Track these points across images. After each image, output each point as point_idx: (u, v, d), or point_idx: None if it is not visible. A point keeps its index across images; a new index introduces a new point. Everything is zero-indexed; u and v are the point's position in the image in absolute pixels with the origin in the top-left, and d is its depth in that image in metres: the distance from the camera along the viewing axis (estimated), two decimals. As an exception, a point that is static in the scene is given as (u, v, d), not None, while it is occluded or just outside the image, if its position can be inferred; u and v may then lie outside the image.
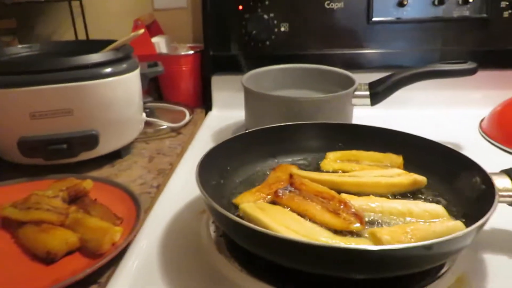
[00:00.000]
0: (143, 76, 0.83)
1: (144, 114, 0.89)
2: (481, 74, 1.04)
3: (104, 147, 0.77)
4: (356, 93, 0.85)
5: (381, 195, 0.60)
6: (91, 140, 0.73)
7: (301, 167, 0.70)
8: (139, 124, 0.86)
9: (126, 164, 0.81)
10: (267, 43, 1.05)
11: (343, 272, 0.45)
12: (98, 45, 0.79)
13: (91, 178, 0.69)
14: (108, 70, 0.73)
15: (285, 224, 0.51)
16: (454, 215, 0.55)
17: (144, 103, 0.98)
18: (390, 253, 0.42)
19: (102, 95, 0.73)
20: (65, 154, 0.72)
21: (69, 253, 0.53)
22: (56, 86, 0.69)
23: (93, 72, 0.71)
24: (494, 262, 0.52)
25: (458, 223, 0.51)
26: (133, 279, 0.50)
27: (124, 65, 0.76)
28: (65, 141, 0.71)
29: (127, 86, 0.77)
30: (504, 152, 0.84)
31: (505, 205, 0.54)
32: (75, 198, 0.64)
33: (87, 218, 0.58)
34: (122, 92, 0.76)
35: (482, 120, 0.97)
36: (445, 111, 1.04)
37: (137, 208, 0.61)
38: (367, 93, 0.84)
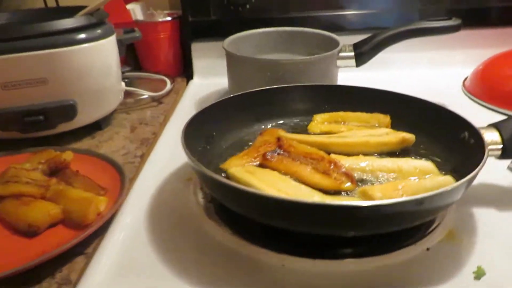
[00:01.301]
0: (119, 42, 0.79)
1: (123, 84, 0.86)
2: (463, 34, 1.03)
3: (83, 118, 0.74)
4: (341, 54, 0.83)
5: (370, 155, 0.59)
6: (69, 111, 0.70)
7: (288, 130, 0.68)
8: (118, 94, 0.83)
9: (107, 135, 0.78)
10: (247, 6, 1.01)
11: (335, 230, 0.45)
12: (69, 12, 0.74)
13: (71, 149, 0.66)
14: (82, 36, 0.69)
15: (275, 186, 0.50)
16: (443, 171, 0.55)
17: (123, 72, 0.94)
18: (381, 209, 0.41)
19: (77, 62, 0.69)
20: (42, 126, 0.69)
21: (53, 225, 0.52)
22: (28, 54, 0.65)
23: (66, 38, 0.67)
24: (483, 216, 0.52)
25: (448, 178, 0.50)
26: (121, 248, 0.49)
27: (99, 31, 0.72)
28: (42, 112, 0.68)
29: (103, 53, 0.74)
30: (487, 109, 0.85)
31: (492, 159, 0.54)
32: (56, 171, 0.62)
33: (69, 189, 0.55)
34: (98, 60, 0.73)
35: (465, 79, 0.97)
36: (429, 71, 1.03)
37: (122, 177, 0.59)
38: (352, 54, 0.83)
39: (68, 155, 0.64)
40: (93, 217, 0.51)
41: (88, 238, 0.49)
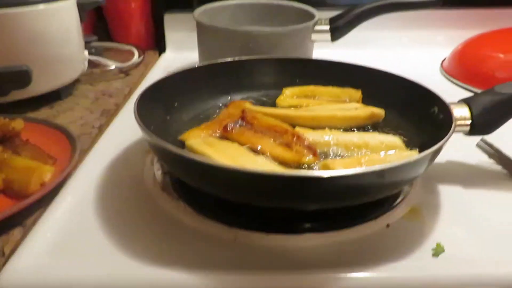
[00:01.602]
0: (80, 6, 0.74)
1: (86, 52, 0.81)
2: (444, 13, 1.01)
3: (39, 86, 0.69)
4: (316, 27, 0.80)
5: (338, 129, 0.56)
6: (22, 77, 0.65)
7: (257, 103, 0.65)
8: (80, 63, 0.78)
9: (67, 105, 0.74)
10: (223, -23, 0.97)
11: (293, 202, 0.42)
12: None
13: (24, 118, 0.62)
14: (37, -4, 0.64)
15: (232, 158, 0.47)
16: (411, 145, 0.53)
17: (89, 42, 0.90)
18: (341, 180, 0.39)
19: (30, 25, 0.64)
20: (-8, 92, 0.65)
21: (-7, 195, 0.48)
22: (-25, 13, 0.60)
23: (18, -2, 0.63)
24: (448, 193, 0.50)
25: (413, 153, 0.48)
26: (64, 222, 0.45)
27: (56, -8, 0.68)
28: (-9, 77, 0.63)
29: (61, 16, 0.69)
30: (463, 89, 0.83)
31: (462, 137, 0.52)
32: (3, 139, 0.58)
33: (14, 158, 0.52)
34: (55, 24, 0.68)
35: (443, 60, 0.94)
36: (408, 51, 1.01)
37: (73, 147, 0.56)
38: (327, 27, 0.80)
39: (18, 124, 0.59)
40: (36, 187, 0.48)
41: (28, 209, 0.46)
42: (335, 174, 0.37)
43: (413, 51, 1.00)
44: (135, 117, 0.46)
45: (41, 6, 0.65)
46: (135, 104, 0.49)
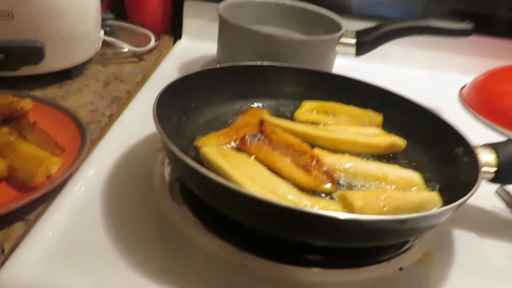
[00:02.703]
0: (103, -17, 0.71)
1: (102, 32, 0.78)
2: (469, 39, 0.99)
3: (50, 63, 0.66)
4: (342, 40, 0.77)
5: (356, 154, 0.55)
6: (35, 53, 0.63)
7: (273, 113, 0.63)
8: (95, 43, 0.75)
9: (77, 86, 0.71)
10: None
11: (305, 237, 0.40)
12: None
13: (32, 97, 0.59)
14: (60, -30, 0.61)
15: (249, 176, 0.45)
16: (430, 184, 0.51)
17: (104, 19, 0.86)
18: (360, 224, 0.37)
19: None
20: (2, 65, 0.62)
21: (-4, 181, 0.46)
22: (-6, -19, 0.57)
23: (40, -31, 0.59)
24: (462, 239, 0.49)
25: (434, 195, 0.47)
26: (68, 220, 0.43)
27: (80, -33, 0.64)
28: (3, 50, 0.60)
29: (83, -7, 0.66)
30: (480, 122, 0.81)
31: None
32: (10, 119, 0.55)
33: (20, 143, 0.49)
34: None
35: (463, 87, 0.93)
36: (426, 72, 0.99)
37: (83, 139, 0.53)
38: (354, 41, 0.77)
39: (27, 104, 0.57)
40: (42, 179, 0.46)
41: (32, 203, 0.43)
42: (361, 218, 0.36)
43: (433, 73, 0.99)
44: (155, 122, 0.44)
45: (63, -19, 0.62)
46: (154, 106, 0.47)
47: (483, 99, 0.85)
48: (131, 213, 0.46)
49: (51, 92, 0.68)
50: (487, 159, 0.49)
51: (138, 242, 0.42)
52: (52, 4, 0.62)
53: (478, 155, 0.49)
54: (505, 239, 0.50)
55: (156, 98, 0.49)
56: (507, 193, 0.53)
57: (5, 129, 0.51)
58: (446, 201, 0.45)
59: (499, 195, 0.54)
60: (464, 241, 0.49)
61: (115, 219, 0.44)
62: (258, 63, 0.65)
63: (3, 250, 0.39)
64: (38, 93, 0.67)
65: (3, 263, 0.38)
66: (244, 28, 0.74)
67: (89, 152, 0.54)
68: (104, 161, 0.53)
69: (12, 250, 0.39)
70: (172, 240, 0.43)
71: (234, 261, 0.42)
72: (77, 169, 0.50)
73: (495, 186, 0.54)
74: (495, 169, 0.49)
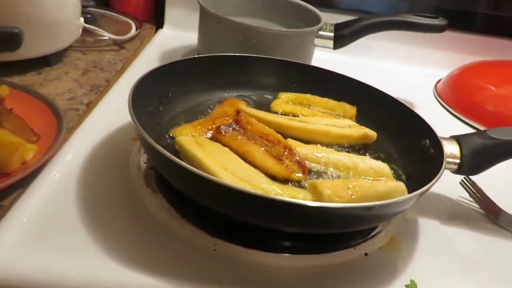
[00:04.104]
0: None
1: (82, 19, 0.78)
2: (446, 34, 1.01)
3: (29, 50, 0.66)
4: (320, 32, 0.79)
5: (328, 145, 0.57)
6: (13, 39, 0.62)
7: (250, 104, 0.64)
8: (74, 30, 0.75)
9: (55, 73, 0.71)
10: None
11: (276, 224, 0.42)
12: None
13: (9, 84, 0.59)
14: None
15: (222, 164, 0.47)
16: (397, 174, 0.54)
17: (85, 6, 0.86)
18: (328, 211, 0.39)
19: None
20: (-22, 51, 0.62)
21: (-30, 167, 0.46)
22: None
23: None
24: (426, 227, 0.52)
25: (400, 185, 0.49)
26: (43, 206, 0.44)
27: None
28: (-21, 36, 0.60)
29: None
30: (453, 116, 0.84)
31: (445, 172, 0.52)
32: (-14, 105, 0.55)
33: (-4, 130, 0.50)
34: (54, -14, 0.65)
35: (438, 82, 0.95)
36: (404, 66, 1.01)
37: (59, 126, 0.54)
38: (332, 34, 0.79)
39: (3, 90, 0.57)
40: (17, 165, 0.46)
41: (6, 189, 0.44)
42: (328, 206, 0.38)
43: (410, 67, 1.01)
44: (130, 111, 0.45)
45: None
46: (129, 95, 0.48)
47: (456, 93, 0.87)
48: (106, 200, 0.47)
49: (29, 79, 0.68)
50: (452, 150, 0.51)
51: (112, 227, 0.43)
52: (30, -10, 0.62)
53: (443, 147, 0.51)
54: (467, 227, 0.53)
55: (132, 87, 0.50)
56: (470, 183, 0.56)
57: (-20, 116, 0.52)
58: (412, 190, 0.47)
59: (463, 185, 0.56)
60: (429, 228, 0.51)
61: (90, 204, 0.45)
62: (237, 54, 0.66)
63: (-23, 234, 0.40)
64: (16, 79, 0.67)
65: (-24, 247, 0.39)
66: (224, 19, 0.74)
67: (65, 139, 0.54)
68: (80, 149, 0.53)
69: (-14, 235, 0.40)
70: (145, 225, 0.44)
71: (205, 246, 0.43)
72: (52, 156, 0.50)
73: (460, 177, 0.57)
74: (459, 160, 0.51)
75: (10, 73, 0.68)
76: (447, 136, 0.54)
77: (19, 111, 0.55)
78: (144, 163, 0.53)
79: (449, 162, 0.51)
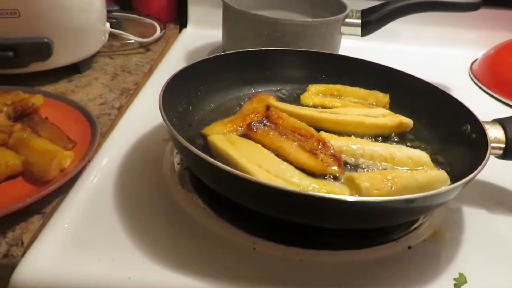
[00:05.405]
0: (106, -23, 0.71)
1: (108, 25, 0.79)
2: (478, 12, 0.97)
3: (59, 59, 0.67)
4: (347, 20, 0.76)
5: (362, 136, 0.55)
6: (43, 49, 0.64)
7: (280, 98, 0.64)
8: (101, 35, 0.76)
9: (86, 80, 0.72)
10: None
11: (313, 220, 0.41)
12: None
13: (43, 93, 0.61)
14: (62, -35, 0.62)
15: (256, 161, 0.46)
16: (438, 162, 0.51)
17: (109, 11, 0.87)
18: (367, 205, 0.38)
19: (54, -5, 0.62)
20: (12, 63, 0.63)
21: (12, 177, 0.47)
22: (-2, -19, 0.58)
23: (43, -34, 0.60)
24: (472, 216, 0.49)
25: (442, 173, 0.47)
26: (83, 211, 0.45)
27: (82, -39, 0.65)
28: (12, 48, 0.62)
29: (86, -13, 0.67)
30: (492, 98, 0.80)
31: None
32: (22, 115, 0.57)
33: (33, 138, 0.51)
34: (79, -6, 0.65)
35: (473, 62, 0.91)
36: (435, 49, 0.97)
37: (93, 131, 0.55)
38: (359, 21, 0.76)
39: (38, 99, 0.58)
40: (56, 173, 0.47)
41: (47, 196, 0.45)
42: (367, 200, 0.36)
43: (442, 49, 0.97)
44: (161, 113, 0.45)
45: (66, -24, 0.62)
46: (159, 97, 0.48)
47: (494, 73, 0.83)
48: (143, 202, 0.47)
49: (61, 86, 0.69)
50: (496, 134, 0.49)
51: (150, 229, 0.44)
52: (57, 0, 0.62)
53: (487, 131, 0.48)
54: (514, 215, 0.50)
55: (162, 89, 0.50)
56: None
57: (18, 126, 0.53)
58: (455, 178, 0.45)
59: None
60: (474, 218, 0.49)
61: (128, 208, 0.46)
62: (263, 48, 0.65)
63: (22, 243, 0.41)
64: (49, 88, 0.68)
65: (22, 255, 0.40)
66: (247, 13, 0.74)
67: (100, 144, 0.55)
68: (115, 152, 0.54)
69: (31, 242, 0.41)
70: (183, 226, 0.44)
71: (244, 245, 0.42)
72: (89, 161, 0.51)
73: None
74: (504, 145, 0.48)
75: (43, 82, 0.69)
76: (489, 119, 0.51)
77: (54, 119, 0.57)
78: (178, 164, 0.53)
79: (494, 148, 0.48)
